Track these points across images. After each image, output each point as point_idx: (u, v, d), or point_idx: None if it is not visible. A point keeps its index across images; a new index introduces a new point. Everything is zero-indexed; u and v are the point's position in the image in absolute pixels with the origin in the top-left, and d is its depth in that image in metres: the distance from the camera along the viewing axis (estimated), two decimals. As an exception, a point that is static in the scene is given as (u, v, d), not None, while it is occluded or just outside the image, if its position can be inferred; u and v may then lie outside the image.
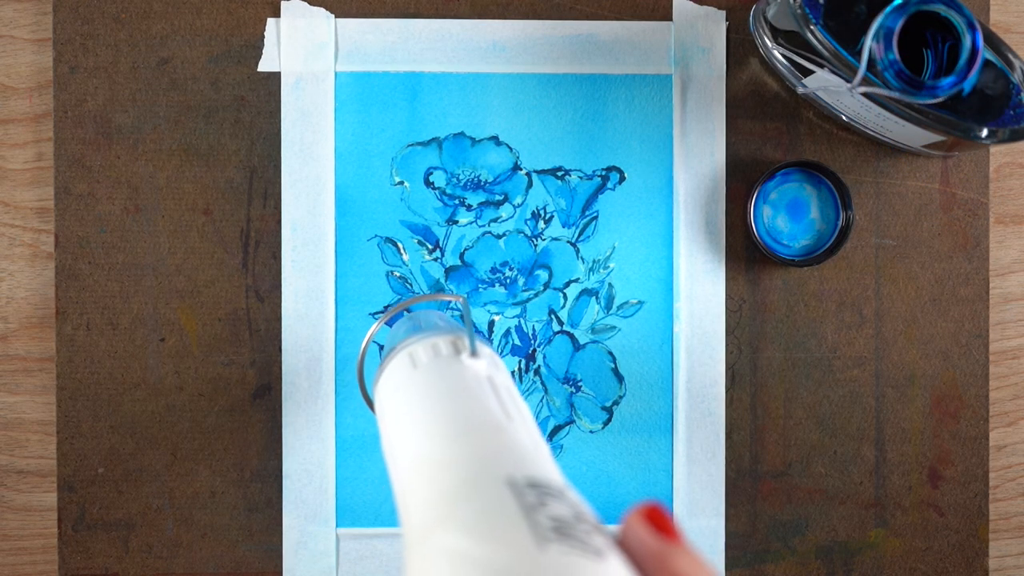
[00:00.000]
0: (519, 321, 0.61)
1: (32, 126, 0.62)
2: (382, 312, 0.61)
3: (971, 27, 0.50)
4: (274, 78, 0.61)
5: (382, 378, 0.45)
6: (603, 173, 0.61)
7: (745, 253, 0.62)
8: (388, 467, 0.41)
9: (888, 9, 0.50)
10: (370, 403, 0.50)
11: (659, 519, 0.31)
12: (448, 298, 0.52)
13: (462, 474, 0.33)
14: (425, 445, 0.37)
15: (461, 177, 0.61)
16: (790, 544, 0.61)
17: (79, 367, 0.60)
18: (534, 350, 0.61)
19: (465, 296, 0.48)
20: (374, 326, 0.51)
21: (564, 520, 0.29)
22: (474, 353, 0.43)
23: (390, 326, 0.52)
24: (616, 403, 0.61)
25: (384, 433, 0.42)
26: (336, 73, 0.61)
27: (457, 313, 0.61)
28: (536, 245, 0.61)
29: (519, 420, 0.38)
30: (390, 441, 0.40)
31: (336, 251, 0.61)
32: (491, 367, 0.42)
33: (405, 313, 0.53)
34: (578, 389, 0.61)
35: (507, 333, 0.61)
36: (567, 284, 0.61)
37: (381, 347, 0.60)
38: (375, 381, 0.46)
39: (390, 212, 0.61)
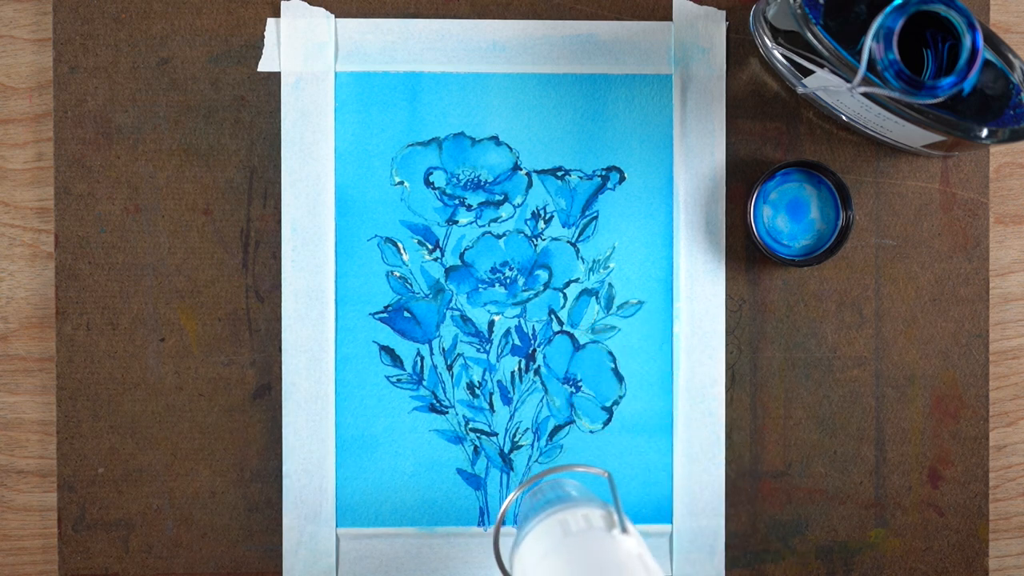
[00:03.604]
0: (519, 321, 0.61)
1: (32, 126, 0.62)
2: (382, 312, 0.61)
3: (971, 27, 0.50)
4: (274, 78, 0.61)
5: (526, 541, 0.46)
6: (603, 173, 0.61)
7: (745, 253, 0.62)
8: None
9: (888, 9, 0.50)
10: (502, 566, 0.51)
11: None
12: (592, 471, 0.53)
13: None
14: None
15: (461, 177, 0.61)
16: (790, 544, 0.61)
17: (79, 367, 0.60)
18: (534, 350, 0.61)
19: (610, 473, 0.51)
20: (512, 494, 0.53)
21: None
22: (624, 530, 0.44)
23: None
24: (616, 403, 0.61)
25: None
26: (336, 73, 0.61)
27: (456, 313, 0.61)
28: (536, 245, 0.61)
29: None
30: None
31: (336, 251, 0.61)
32: (639, 545, 0.44)
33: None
34: (578, 389, 0.61)
35: (507, 333, 0.61)
36: (567, 284, 0.61)
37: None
38: (515, 544, 0.48)
39: (390, 212, 0.61)
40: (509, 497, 0.53)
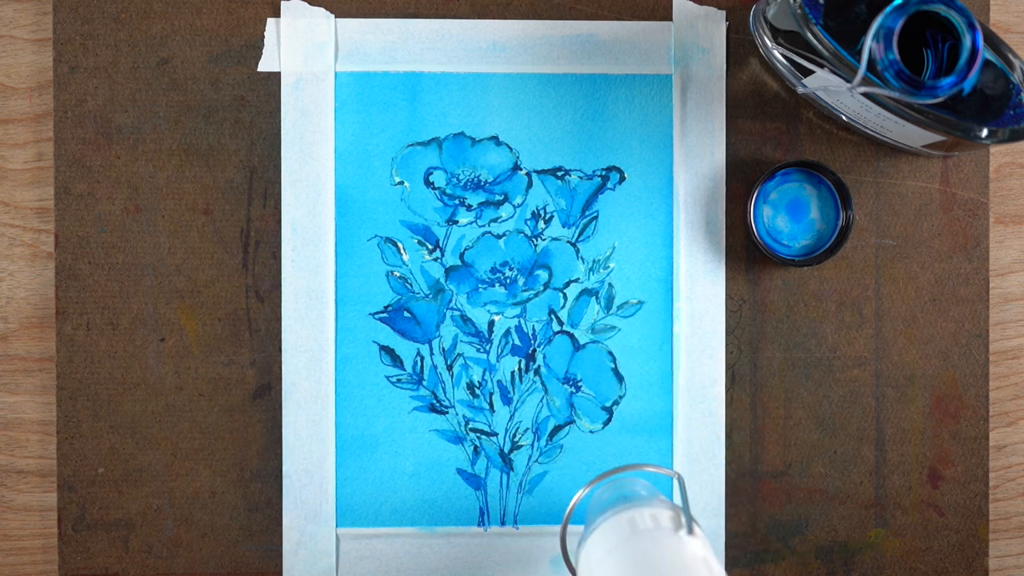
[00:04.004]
0: (519, 321, 0.61)
1: (32, 126, 0.62)
2: (382, 312, 0.61)
3: (971, 27, 0.50)
4: (274, 78, 0.61)
5: (593, 537, 0.47)
6: (603, 173, 0.61)
7: (745, 253, 0.62)
8: None
9: (888, 9, 0.50)
10: (569, 563, 0.52)
11: None
12: (662, 471, 0.53)
13: None
14: None
15: (461, 177, 0.61)
16: (790, 544, 0.61)
17: (79, 367, 0.60)
18: (534, 350, 0.61)
19: (680, 474, 0.51)
20: (581, 491, 0.53)
21: None
22: (691, 531, 0.45)
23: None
24: (616, 403, 0.61)
25: None
26: (336, 73, 0.61)
27: (457, 313, 0.61)
28: (536, 245, 0.61)
29: None
30: None
31: (336, 251, 0.61)
32: (705, 548, 0.45)
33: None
34: (578, 389, 0.61)
35: (507, 333, 0.61)
36: (567, 284, 0.61)
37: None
38: (582, 540, 0.48)
39: (390, 212, 0.61)
40: (578, 494, 0.53)
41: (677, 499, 0.60)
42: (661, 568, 0.42)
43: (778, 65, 0.58)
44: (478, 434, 0.61)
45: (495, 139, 0.61)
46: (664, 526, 0.45)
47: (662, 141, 0.61)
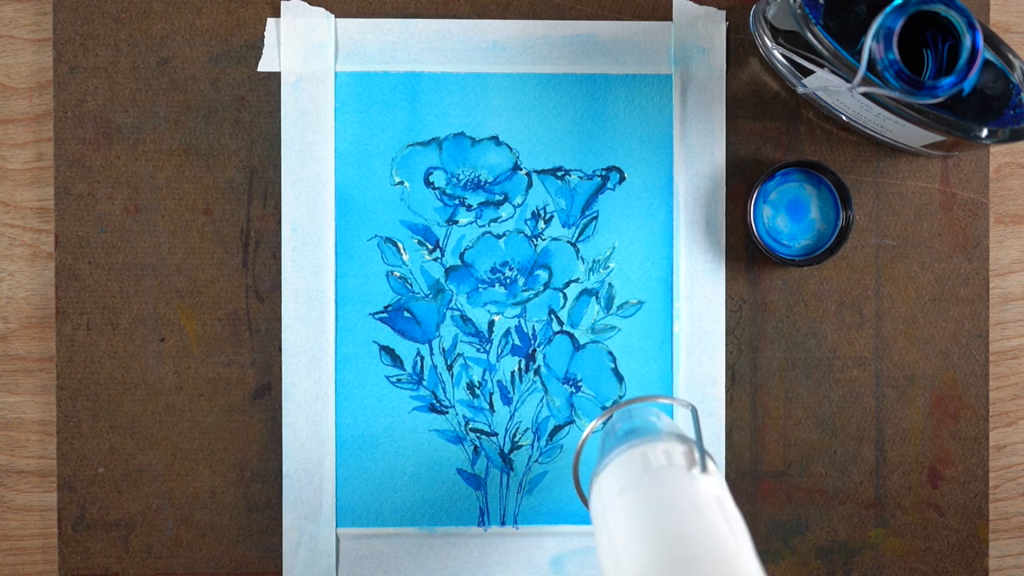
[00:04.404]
0: (519, 321, 0.61)
1: (32, 126, 0.62)
2: (382, 312, 0.61)
3: (971, 27, 0.50)
4: (274, 78, 0.61)
5: (605, 472, 0.46)
6: (603, 173, 0.61)
7: (745, 253, 0.62)
8: (602, 564, 0.42)
9: (888, 9, 0.50)
10: (582, 494, 0.52)
11: None
12: (674, 402, 0.53)
13: None
14: (657, 561, 0.38)
15: (461, 177, 0.61)
16: (790, 544, 0.61)
17: (79, 367, 0.60)
18: (534, 350, 0.61)
19: (694, 406, 0.50)
20: (594, 422, 0.53)
21: None
22: (704, 468, 0.44)
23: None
24: (616, 403, 0.61)
25: (603, 531, 0.44)
26: (336, 73, 0.61)
27: (457, 313, 0.61)
28: (536, 245, 0.61)
29: (746, 549, 0.40)
30: (612, 541, 0.42)
31: (336, 251, 0.61)
32: (719, 486, 0.44)
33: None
34: (578, 389, 0.61)
35: (507, 333, 0.61)
36: (567, 284, 0.61)
37: (380, 354, 0.60)
38: (595, 475, 0.48)
39: (390, 212, 0.61)
40: (590, 425, 0.53)
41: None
42: (673, 508, 0.41)
43: (778, 65, 0.58)
44: (478, 434, 0.61)
45: (495, 139, 0.61)
46: (677, 463, 0.44)
47: (662, 141, 0.61)
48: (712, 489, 0.43)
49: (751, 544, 0.41)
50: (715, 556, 0.38)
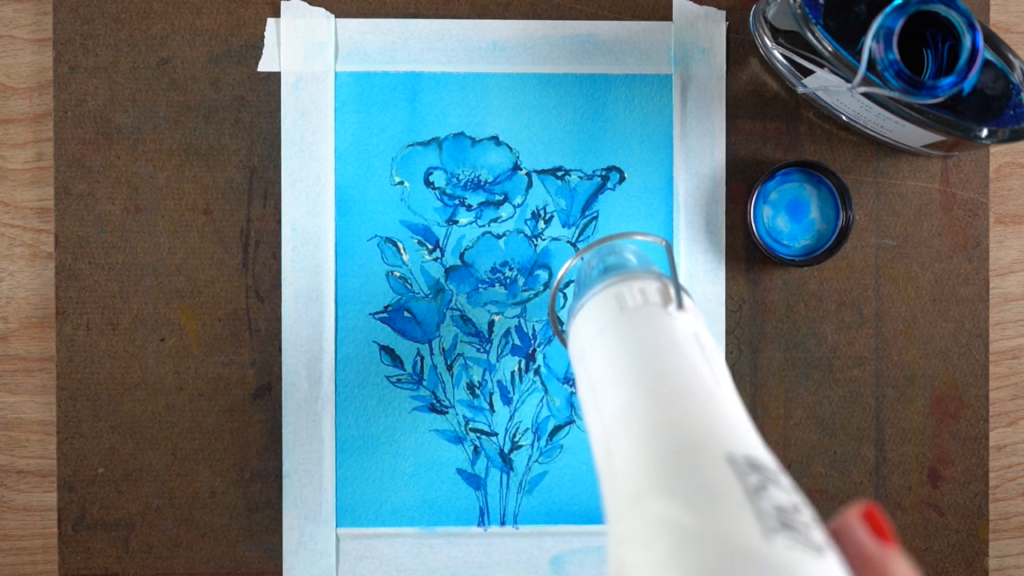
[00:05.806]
0: (519, 321, 0.61)
1: (32, 126, 0.62)
2: (382, 312, 0.61)
3: (971, 27, 0.50)
4: (274, 78, 0.61)
5: (581, 314, 0.44)
6: (603, 173, 0.61)
7: (745, 253, 0.62)
8: (584, 407, 0.40)
9: (888, 9, 0.50)
10: (561, 336, 0.50)
11: (876, 521, 0.31)
12: (649, 239, 0.50)
13: (679, 442, 0.33)
14: (636, 402, 0.36)
15: (461, 177, 0.61)
16: (790, 544, 0.61)
17: (79, 367, 0.60)
18: (534, 350, 0.61)
19: (668, 240, 0.47)
20: (571, 260, 0.51)
21: (785, 509, 0.29)
22: (680, 305, 0.42)
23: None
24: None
25: (582, 373, 0.42)
26: (336, 73, 0.61)
27: (457, 313, 0.61)
28: (536, 245, 0.61)
29: (725, 386, 0.38)
30: (591, 385, 0.40)
31: (336, 251, 0.61)
32: (696, 322, 0.42)
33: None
34: (578, 389, 0.61)
35: (507, 333, 0.61)
36: (567, 284, 0.61)
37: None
38: (572, 315, 0.45)
39: (390, 212, 0.61)
40: (567, 264, 0.51)
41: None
42: (652, 349, 0.39)
43: (778, 65, 0.58)
44: (478, 434, 0.61)
45: (495, 139, 0.61)
46: (653, 301, 0.42)
47: (662, 141, 0.61)
48: (690, 326, 0.41)
49: (731, 381, 0.39)
50: (696, 395, 0.36)
